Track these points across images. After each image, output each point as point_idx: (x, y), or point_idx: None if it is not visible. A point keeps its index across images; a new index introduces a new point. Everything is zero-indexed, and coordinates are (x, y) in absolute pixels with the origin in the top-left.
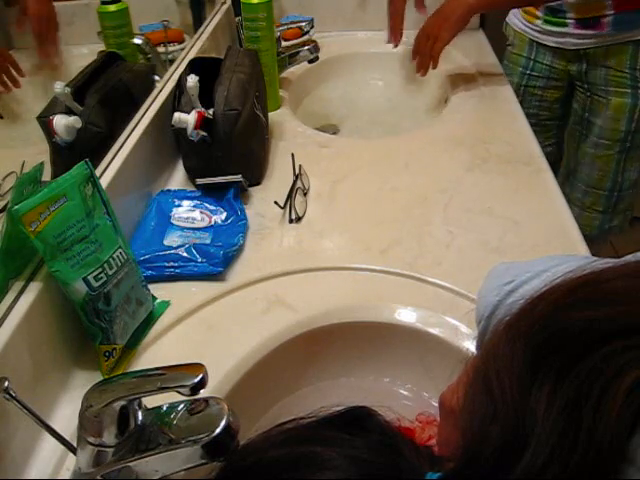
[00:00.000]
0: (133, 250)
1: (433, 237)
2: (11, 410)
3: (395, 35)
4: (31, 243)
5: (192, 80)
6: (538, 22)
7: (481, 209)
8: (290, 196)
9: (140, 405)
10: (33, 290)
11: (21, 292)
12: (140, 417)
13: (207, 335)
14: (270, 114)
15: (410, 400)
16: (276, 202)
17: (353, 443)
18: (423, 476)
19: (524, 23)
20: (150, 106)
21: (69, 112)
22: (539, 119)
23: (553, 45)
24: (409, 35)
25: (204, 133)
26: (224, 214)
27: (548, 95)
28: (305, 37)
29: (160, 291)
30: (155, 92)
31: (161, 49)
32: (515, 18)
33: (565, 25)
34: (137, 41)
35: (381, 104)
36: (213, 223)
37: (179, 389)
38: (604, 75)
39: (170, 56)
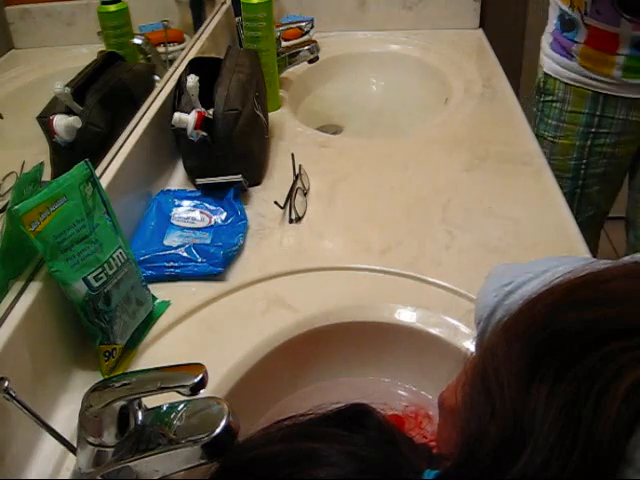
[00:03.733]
0: (133, 250)
1: (433, 237)
2: (11, 410)
3: None
4: (31, 243)
5: (192, 80)
6: (616, 74)
7: (481, 209)
8: (290, 196)
9: (140, 405)
10: (33, 290)
11: (21, 292)
12: (140, 417)
13: (207, 335)
14: (270, 114)
15: (410, 400)
16: (276, 202)
17: (352, 440)
18: (421, 474)
19: (588, 75)
20: (150, 106)
21: (69, 112)
22: (606, 177)
23: (632, 96)
24: (407, 35)
25: (204, 133)
26: (224, 214)
27: (620, 150)
28: (305, 37)
29: (160, 291)
30: (155, 92)
31: (161, 49)
32: (567, 70)
33: None
34: (137, 41)
35: (381, 104)
36: (213, 223)
37: (179, 389)
38: None
39: (170, 56)
